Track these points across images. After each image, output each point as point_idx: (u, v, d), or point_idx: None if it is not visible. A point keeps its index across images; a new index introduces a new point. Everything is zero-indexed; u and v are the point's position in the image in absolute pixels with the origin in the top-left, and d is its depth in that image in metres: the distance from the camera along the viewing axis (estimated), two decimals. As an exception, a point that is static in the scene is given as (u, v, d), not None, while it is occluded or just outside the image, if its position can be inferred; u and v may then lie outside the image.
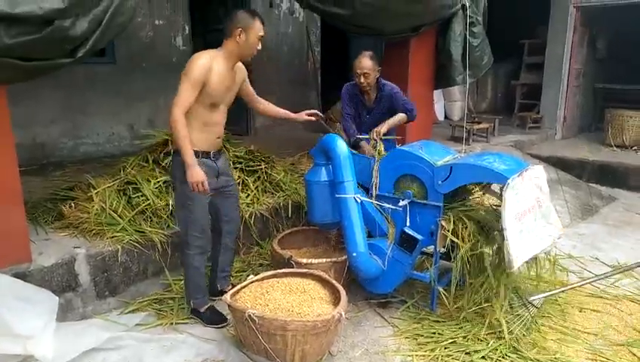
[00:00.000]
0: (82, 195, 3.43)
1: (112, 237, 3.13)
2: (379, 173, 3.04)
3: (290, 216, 3.95)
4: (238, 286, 2.69)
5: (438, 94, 7.86)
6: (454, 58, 4.86)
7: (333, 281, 2.73)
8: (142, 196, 3.43)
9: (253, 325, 2.37)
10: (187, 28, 5.80)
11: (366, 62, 3.58)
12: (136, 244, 3.15)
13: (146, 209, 3.37)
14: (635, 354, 2.64)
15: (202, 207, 2.76)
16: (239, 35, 2.61)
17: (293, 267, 2.96)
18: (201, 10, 6.30)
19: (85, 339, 2.68)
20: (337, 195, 2.87)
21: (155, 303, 3.14)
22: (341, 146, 2.89)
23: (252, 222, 3.74)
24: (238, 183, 3.87)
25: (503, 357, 2.57)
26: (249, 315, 2.37)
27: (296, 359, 2.42)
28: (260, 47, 2.73)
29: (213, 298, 3.10)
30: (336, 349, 2.69)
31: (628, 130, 6.84)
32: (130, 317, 2.98)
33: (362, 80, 3.62)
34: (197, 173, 2.56)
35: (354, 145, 3.64)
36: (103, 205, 3.29)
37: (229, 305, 2.53)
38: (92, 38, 2.51)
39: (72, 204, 3.34)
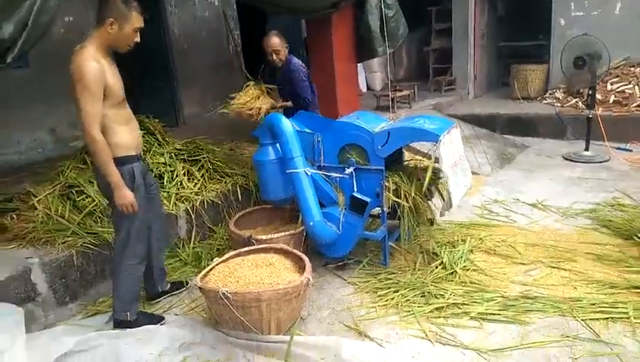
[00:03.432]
0: (23, 205, 3.31)
1: (64, 242, 3.07)
2: (323, 146, 3.22)
3: (240, 199, 4.04)
4: (205, 270, 2.78)
5: (359, 67, 8.13)
6: (373, 30, 5.11)
7: (296, 251, 2.91)
8: (87, 198, 3.37)
9: (227, 302, 2.49)
10: (100, 22, 5.56)
11: (274, 40, 3.88)
12: (91, 246, 3.12)
13: (94, 210, 3.33)
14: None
15: (143, 215, 2.69)
16: (111, 26, 2.42)
17: (254, 245, 3.09)
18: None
19: (55, 346, 2.67)
20: (288, 171, 3.03)
21: (118, 301, 3.14)
22: (286, 123, 3.03)
23: (203, 209, 3.80)
24: (184, 174, 3.92)
25: (453, 294, 2.89)
26: (223, 293, 2.48)
27: (272, 327, 2.58)
28: (137, 39, 2.55)
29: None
30: (306, 313, 2.88)
31: (532, 82, 7.54)
32: (96, 319, 2.98)
33: (274, 57, 3.90)
34: (125, 195, 2.48)
35: None
36: (48, 212, 3.21)
37: (200, 288, 2.62)
38: (20, 40, 2.43)
39: (14, 216, 3.22)
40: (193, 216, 3.73)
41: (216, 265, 2.82)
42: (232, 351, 2.55)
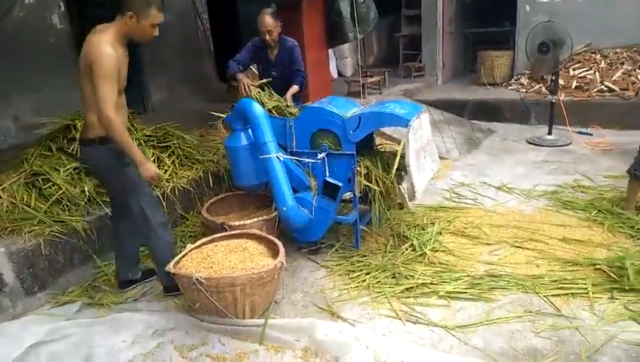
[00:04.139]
0: (-14, 194, 3.21)
1: (31, 231, 3.01)
2: (295, 132, 3.24)
3: (211, 185, 4.02)
4: (178, 257, 2.77)
5: (329, 53, 8.13)
6: (344, 15, 5.12)
7: (269, 236, 2.93)
8: (54, 186, 3.31)
9: (201, 287, 2.50)
10: (62, 5, 5.37)
11: (268, 20, 3.78)
12: (58, 235, 3.07)
13: (61, 198, 3.27)
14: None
15: (143, 186, 2.77)
16: (130, 19, 2.50)
17: (227, 231, 3.09)
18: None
19: (25, 336, 2.64)
20: (261, 156, 3.03)
21: (88, 290, 3.12)
22: (258, 109, 3.03)
23: (175, 196, 3.77)
24: (153, 160, 3.87)
25: (422, 274, 2.97)
26: (196, 279, 2.49)
27: (247, 311, 2.61)
28: (156, 33, 2.62)
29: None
30: (280, 296, 2.92)
31: (497, 68, 7.70)
32: (66, 308, 2.95)
33: (267, 37, 3.80)
34: (150, 167, 2.66)
35: (232, 77, 3.80)
36: (13, 200, 3.13)
37: (173, 274, 2.62)
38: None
39: (-23, 205, 3.13)
40: (164, 203, 3.68)
41: (190, 251, 2.81)
42: (206, 336, 2.57)
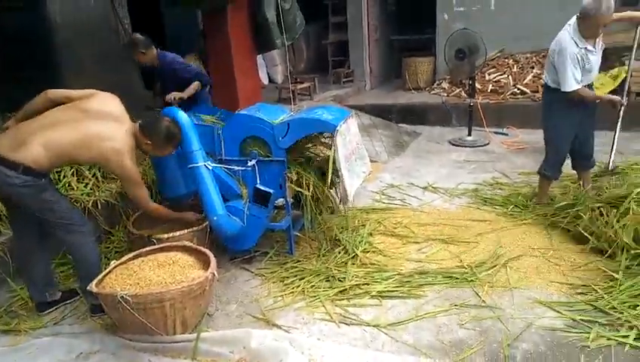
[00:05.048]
0: None
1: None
2: (223, 139, 3.19)
3: (137, 197, 3.86)
4: (101, 275, 2.63)
5: (259, 60, 8.10)
6: (271, 22, 5.11)
7: (199, 247, 2.86)
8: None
9: (127, 305, 2.39)
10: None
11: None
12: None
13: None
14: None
15: (62, 204, 2.71)
16: (147, 144, 2.74)
17: (155, 245, 2.98)
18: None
19: None
20: (190, 166, 2.96)
21: (3, 316, 2.88)
22: (183, 116, 2.96)
23: (97, 210, 3.58)
24: (72, 174, 3.66)
25: (355, 276, 3.03)
26: (121, 297, 2.37)
27: (178, 326, 2.52)
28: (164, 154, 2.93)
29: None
30: (214, 308, 2.86)
31: (421, 74, 8.04)
32: (-22, 338, 2.71)
33: (140, 61, 4.22)
34: (190, 217, 3.20)
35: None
36: None
37: (96, 294, 2.48)
38: None
39: None
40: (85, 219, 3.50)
41: (114, 268, 2.68)
42: (135, 356, 2.47)
